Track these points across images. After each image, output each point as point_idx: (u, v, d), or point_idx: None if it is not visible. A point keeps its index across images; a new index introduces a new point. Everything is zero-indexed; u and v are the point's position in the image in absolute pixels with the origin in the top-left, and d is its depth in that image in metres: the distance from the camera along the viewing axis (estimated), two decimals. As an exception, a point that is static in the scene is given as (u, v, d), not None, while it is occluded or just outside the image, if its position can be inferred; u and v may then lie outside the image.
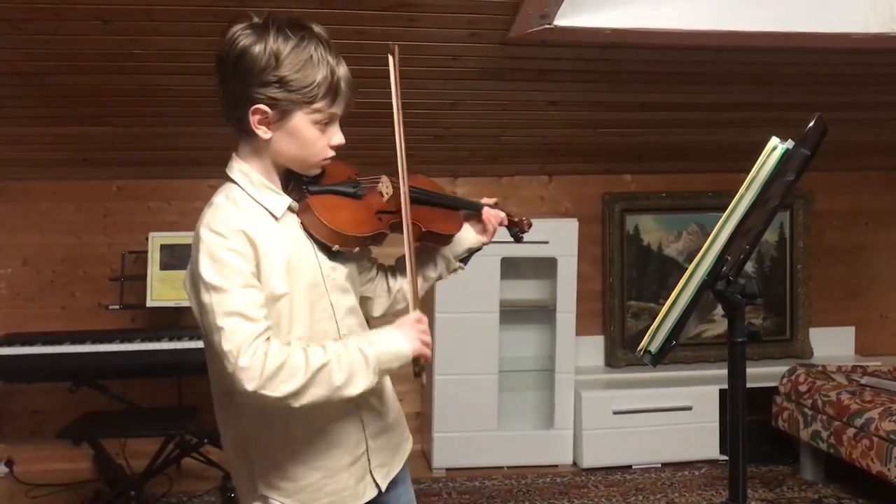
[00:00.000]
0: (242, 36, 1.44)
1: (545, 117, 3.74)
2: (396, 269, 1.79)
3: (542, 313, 4.11)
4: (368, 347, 1.45)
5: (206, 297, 1.38)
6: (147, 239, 3.70)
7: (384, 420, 1.63)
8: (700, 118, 3.88)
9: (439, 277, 1.81)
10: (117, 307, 3.71)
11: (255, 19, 1.46)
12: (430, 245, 1.76)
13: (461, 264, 1.82)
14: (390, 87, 1.62)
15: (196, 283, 1.41)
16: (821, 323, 4.64)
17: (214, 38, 2.92)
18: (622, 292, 4.44)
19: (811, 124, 1.45)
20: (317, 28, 1.47)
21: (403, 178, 1.59)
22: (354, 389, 1.43)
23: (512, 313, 4.01)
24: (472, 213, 1.82)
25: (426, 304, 3.92)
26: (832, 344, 4.63)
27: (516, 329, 4.14)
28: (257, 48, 1.41)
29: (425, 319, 1.54)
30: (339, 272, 1.56)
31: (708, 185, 4.44)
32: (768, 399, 3.89)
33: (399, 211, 1.60)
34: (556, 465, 3.98)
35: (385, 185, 1.64)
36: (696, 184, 4.47)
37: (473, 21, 2.85)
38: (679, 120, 3.89)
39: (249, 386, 1.35)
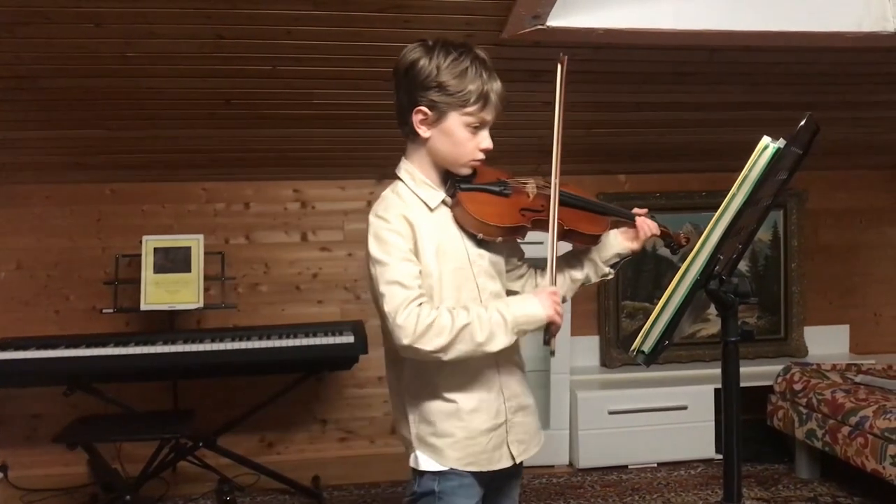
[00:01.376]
0: (413, 51, 1.73)
1: (539, 118, 3.73)
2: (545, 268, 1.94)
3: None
4: (507, 309, 1.69)
5: (373, 270, 1.69)
6: (141, 242, 3.69)
7: (522, 399, 1.87)
8: (694, 118, 3.88)
9: (586, 280, 1.95)
10: (111, 311, 3.70)
11: (428, 41, 1.74)
12: (575, 243, 1.92)
13: (610, 269, 1.95)
14: (555, 96, 1.89)
15: (368, 261, 1.70)
16: (815, 321, 4.65)
17: (209, 41, 2.95)
18: (617, 292, 4.44)
19: (802, 123, 1.46)
20: (478, 50, 1.75)
21: (556, 173, 1.81)
22: (495, 346, 1.67)
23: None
24: (625, 220, 1.96)
25: None
26: (826, 342, 4.64)
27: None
28: (423, 60, 1.71)
29: (560, 293, 1.78)
30: (484, 259, 1.80)
31: (702, 184, 4.45)
32: (763, 398, 3.89)
33: (543, 210, 1.81)
34: (553, 466, 3.98)
35: (532, 187, 1.87)
36: (690, 184, 4.48)
37: (466, 22, 2.85)
38: (673, 120, 3.89)
39: (405, 340, 1.63)
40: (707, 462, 3.97)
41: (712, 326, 4.39)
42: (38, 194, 4.01)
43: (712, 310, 1.63)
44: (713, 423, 3.96)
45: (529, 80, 3.35)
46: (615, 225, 1.98)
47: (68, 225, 4.04)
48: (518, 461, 1.85)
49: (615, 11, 2.94)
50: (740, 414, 1.61)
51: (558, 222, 1.80)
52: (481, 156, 1.78)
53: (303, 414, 4.25)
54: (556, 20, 2.87)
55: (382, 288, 1.66)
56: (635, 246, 1.95)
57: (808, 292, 4.64)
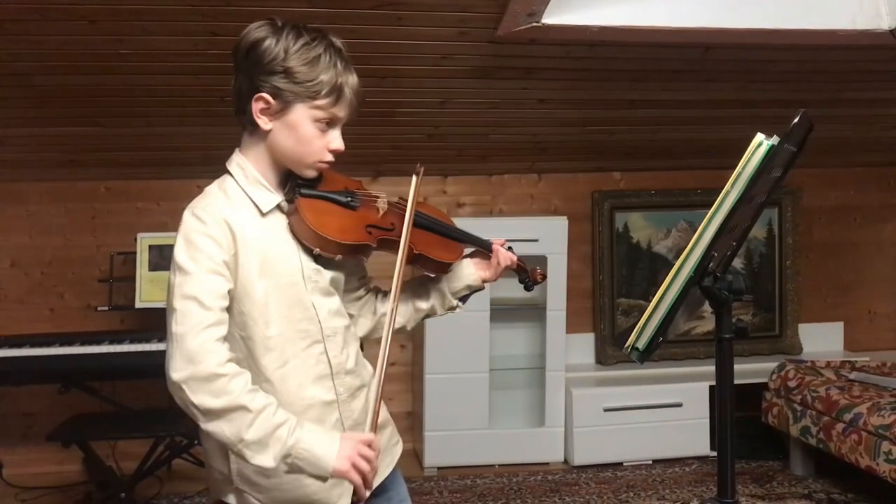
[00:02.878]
0: (259, 29, 1.50)
1: (534, 115, 3.74)
2: (387, 293, 1.74)
3: (533, 311, 4.11)
4: (296, 432, 1.40)
5: (172, 278, 1.44)
6: (136, 240, 3.68)
7: (362, 421, 1.59)
8: (688, 115, 3.89)
9: (431, 312, 1.75)
10: (106, 308, 3.69)
11: (277, 20, 1.51)
12: (425, 270, 1.71)
13: (459, 302, 1.75)
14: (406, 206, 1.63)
15: (172, 264, 1.45)
16: (810, 319, 4.66)
17: (202, 38, 2.94)
18: (612, 290, 4.44)
19: (796, 120, 1.46)
20: (333, 37, 1.52)
21: (410, 217, 1.60)
22: (256, 458, 1.38)
23: (502, 311, 4.01)
24: (481, 251, 1.77)
25: (417, 334, 3.90)
26: (821, 340, 4.65)
27: (507, 327, 4.14)
28: (269, 40, 1.47)
29: (377, 447, 1.46)
30: (322, 276, 1.56)
31: (697, 182, 4.45)
32: (758, 395, 3.90)
33: (393, 229, 1.61)
34: (548, 463, 3.99)
35: (383, 202, 1.64)
36: (684, 181, 4.48)
37: (462, 19, 2.86)
38: (668, 117, 3.90)
39: (176, 374, 1.37)
40: (702, 459, 3.98)
41: (707, 324, 4.40)
42: (32, 192, 4.00)
43: (707, 307, 1.62)
44: (708, 420, 3.96)
45: (524, 77, 3.36)
46: (472, 255, 1.78)
47: (63, 222, 4.03)
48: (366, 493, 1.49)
49: (610, 9, 2.95)
50: (734, 411, 1.61)
51: (408, 245, 1.59)
52: (330, 157, 1.52)
53: (298, 411, 4.24)
54: (551, 17, 2.88)
55: (177, 302, 1.40)
56: (488, 275, 1.74)
57: (803, 290, 4.65)
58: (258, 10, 2.70)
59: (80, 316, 3.96)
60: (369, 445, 1.44)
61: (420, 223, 1.67)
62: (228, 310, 1.45)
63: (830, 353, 4.46)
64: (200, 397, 1.37)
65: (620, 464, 3.96)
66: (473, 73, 3.24)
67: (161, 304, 3.81)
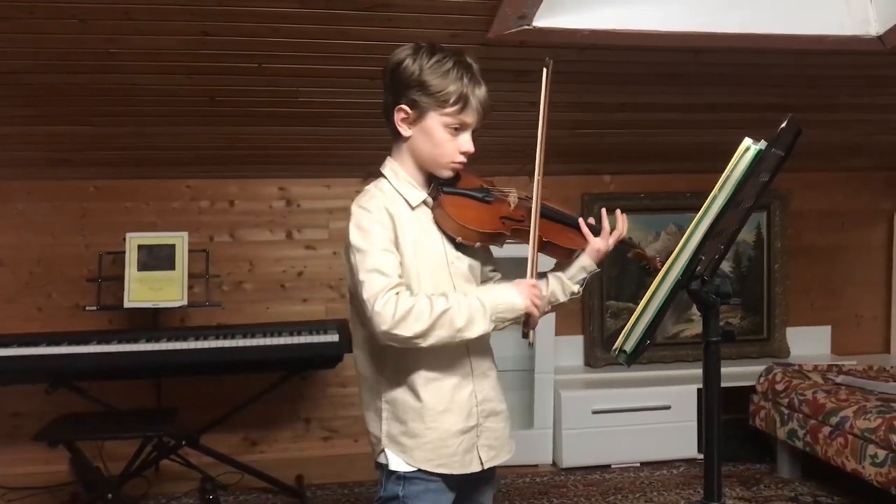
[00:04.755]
0: (402, 52, 1.76)
1: (525, 118, 3.72)
2: None
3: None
4: (486, 297, 1.71)
5: (353, 258, 1.70)
6: (125, 239, 3.67)
7: (495, 404, 1.86)
8: (678, 119, 3.90)
9: (552, 300, 1.90)
10: (94, 308, 3.68)
11: (421, 43, 1.77)
12: (553, 256, 1.91)
13: (578, 286, 1.91)
14: (540, 100, 1.90)
15: (348, 249, 1.72)
16: (797, 322, 4.68)
17: (193, 38, 2.94)
18: (601, 292, 4.46)
19: (784, 125, 1.47)
20: (466, 55, 1.78)
21: (538, 181, 1.82)
22: (474, 332, 1.69)
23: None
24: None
25: None
26: (808, 343, 4.68)
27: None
28: (408, 60, 1.74)
29: (540, 287, 1.77)
30: (462, 262, 1.81)
31: (686, 185, 4.47)
32: (745, 398, 3.92)
33: (523, 220, 1.82)
34: (536, 465, 4.00)
35: (513, 197, 1.88)
36: (674, 184, 4.50)
37: (452, 22, 2.85)
38: (657, 121, 3.91)
39: (383, 326, 1.63)
40: (689, 462, 3.99)
41: (695, 327, 4.41)
42: (20, 190, 3.99)
43: (696, 310, 1.64)
44: (696, 422, 3.98)
45: (515, 80, 3.36)
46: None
47: (51, 221, 4.01)
48: (486, 467, 1.83)
49: (601, 12, 2.95)
50: (721, 414, 1.62)
51: (538, 234, 1.81)
52: (462, 158, 1.78)
53: (287, 413, 4.24)
54: (541, 21, 2.88)
55: (362, 276, 1.67)
56: (601, 246, 1.91)
57: (791, 293, 4.67)
58: (249, 10, 2.71)
59: (69, 315, 3.94)
60: (535, 286, 1.75)
61: (546, 214, 1.86)
62: (401, 276, 1.70)
63: (818, 357, 4.49)
64: (411, 328, 1.64)
65: (608, 466, 3.97)
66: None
67: (149, 304, 3.84)
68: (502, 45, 3.01)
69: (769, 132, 1.47)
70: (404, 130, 1.76)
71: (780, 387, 3.72)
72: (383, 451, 1.78)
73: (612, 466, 3.97)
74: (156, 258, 3.66)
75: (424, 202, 1.80)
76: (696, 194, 4.37)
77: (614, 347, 1.57)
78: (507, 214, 1.84)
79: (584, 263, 1.91)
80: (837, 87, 3.67)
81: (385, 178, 1.80)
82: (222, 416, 3.70)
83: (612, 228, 1.91)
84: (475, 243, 1.80)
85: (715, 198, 1.47)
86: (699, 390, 3.92)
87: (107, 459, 3.70)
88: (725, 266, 4.53)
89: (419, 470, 1.75)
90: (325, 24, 2.80)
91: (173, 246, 3.69)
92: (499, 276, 1.97)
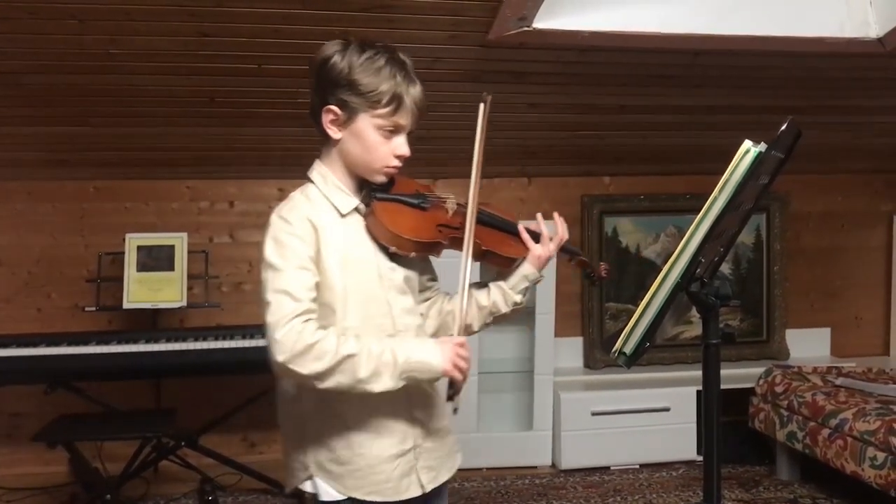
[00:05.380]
0: (329, 48, 1.63)
1: (524, 119, 3.75)
2: (453, 295, 1.81)
3: (521, 315, 4.10)
4: (401, 350, 1.56)
5: (264, 274, 1.56)
6: (124, 240, 3.67)
7: (435, 423, 1.71)
8: (678, 121, 3.90)
9: (494, 310, 1.80)
10: (94, 309, 3.68)
11: (349, 37, 1.64)
12: (493, 265, 1.81)
13: (520, 296, 1.80)
14: (476, 134, 1.78)
15: (262, 263, 1.58)
16: (797, 324, 4.68)
17: (192, 39, 2.94)
18: (601, 294, 4.45)
19: (784, 127, 1.47)
20: (398, 51, 1.64)
21: (473, 198, 1.70)
22: (377, 386, 1.54)
23: (491, 315, 4.00)
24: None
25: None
26: (808, 345, 4.67)
27: (495, 330, 4.09)
28: (336, 57, 1.60)
29: (469, 347, 1.61)
30: (397, 273, 1.67)
31: (686, 187, 4.47)
32: (745, 400, 3.91)
33: (462, 227, 1.70)
34: (535, 467, 3.99)
35: (451, 203, 1.76)
36: (674, 186, 4.50)
37: (453, 23, 2.86)
38: (657, 122, 3.91)
39: (279, 357, 1.50)
40: (689, 464, 3.99)
41: (695, 328, 4.41)
42: (20, 191, 3.98)
43: (695, 312, 1.63)
44: (695, 424, 3.97)
45: (515, 81, 3.37)
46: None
47: (51, 222, 4.01)
48: (428, 490, 1.69)
49: (601, 14, 2.96)
50: (721, 416, 1.62)
51: (476, 242, 1.70)
52: (396, 163, 1.64)
53: (286, 414, 4.23)
54: (542, 22, 2.88)
55: (269, 296, 1.53)
56: (541, 252, 1.81)
57: (790, 295, 4.67)
58: (249, 11, 2.71)
59: (68, 316, 3.94)
60: (462, 346, 1.60)
61: (485, 220, 1.77)
62: (316, 299, 1.58)
63: (817, 359, 4.49)
64: (309, 367, 1.50)
65: (608, 468, 3.97)
66: (464, 76, 3.25)
67: (148, 305, 3.84)
68: (502, 47, 3.01)
69: (769, 134, 1.47)
70: (334, 133, 1.62)
71: (779, 389, 3.72)
72: (310, 478, 1.64)
73: (612, 468, 3.96)
74: (155, 259, 3.66)
75: (356, 209, 1.66)
76: (695, 196, 4.37)
77: (614, 349, 1.56)
78: (444, 222, 1.71)
79: (526, 272, 1.79)
80: (837, 89, 3.68)
81: (313, 183, 1.67)
82: (221, 417, 3.70)
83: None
84: (410, 253, 1.66)
85: (715, 200, 1.47)
86: (698, 392, 3.91)
87: (106, 460, 3.69)
88: (725, 268, 4.53)
89: (350, 499, 1.62)
90: (324, 25, 2.80)
91: (172, 247, 3.69)
92: (438, 285, 1.83)
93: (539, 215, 1.86)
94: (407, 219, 1.66)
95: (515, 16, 2.81)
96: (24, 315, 3.98)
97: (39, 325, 3.92)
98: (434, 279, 1.83)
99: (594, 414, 3.93)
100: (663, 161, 4.36)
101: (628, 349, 1.53)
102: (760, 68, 3.42)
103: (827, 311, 4.80)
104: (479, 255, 1.74)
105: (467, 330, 1.77)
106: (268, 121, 3.53)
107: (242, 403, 3.71)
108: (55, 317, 3.97)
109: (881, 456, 3.04)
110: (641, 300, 1.55)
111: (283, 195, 4.68)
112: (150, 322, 3.75)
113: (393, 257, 1.66)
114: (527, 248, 1.80)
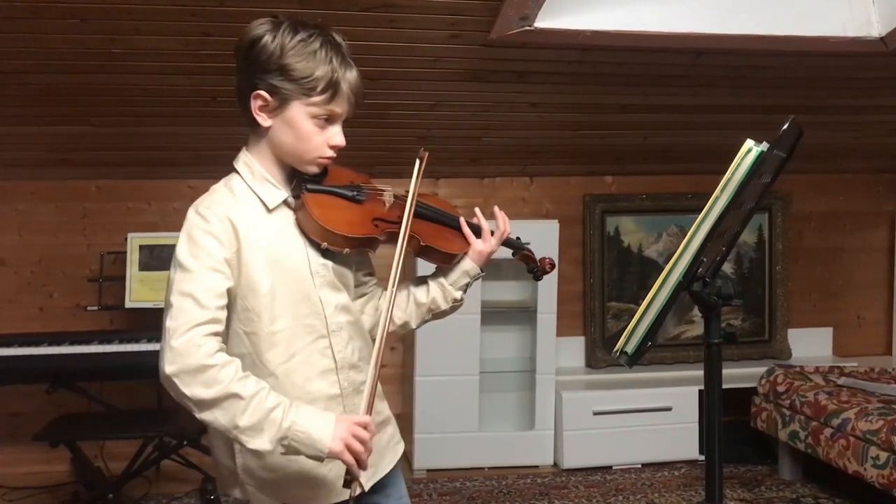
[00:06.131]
0: (258, 27, 1.49)
1: (526, 119, 3.75)
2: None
3: (523, 314, 4.11)
4: (291, 414, 1.40)
5: (172, 273, 1.44)
6: (126, 239, 3.67)
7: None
8: (680, 120, 3.90)
9: (434, 307, 1.72)
10: (95, 308, 3.68)
11: (279, 17, 1.50)
12: (433, 262, 1.73)
13: (460, 293, 1.73)
14: (410, 188, 1.63)
15: (172, 260, 1.46)
16: (799, 324, 4.68)
17: (194, 38, 2.94)
18: (603, 293, 4.45)
19: (785, 127, 1.47)
20: (333, 32, 1.51)
21: (413, 191, 1.60)
22: (252, 442, 1.39)
23: (493, 314, 4.01)
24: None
25: (408, 336, 3.89)
26: (810, 345, 4.67)
27: (497, 330, 4.14)
28: (267, 38, 1.47)
29: (372, 430, 1.45)
30: (328, 270, 1.56)
31: (688, 186, 4.46)
32: (747, 399, 3.92)
33: (398, 222, 1.60)
34: (537, 466, 3.99)
35: (389, 196, 1.65)
36: (676, 185, 4.49)
37: (454, 22, 2.86)
38: (659, 122, 3.91)
39: (168, 368, 1.38)
40: (691, 463, 3.99)
41: (697, 328, 4.41)
42: (22, 190, 3.99)
43: (697, 311, 1.63)
44: (697, 424, 3.97)
45: (516, 80, 3.36)
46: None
47: (53, 221, 4.01)
48: (368, 487, 1.59)
49: (602, 13, 2.96)
50: (722, 415, 1.62)
51: (413, 237, 1.61)
52: (331, 153, 1.53)
53: (287, 413, 4.23)
54: (543, 21, 2.88)
55: (174, 298, 1.41)
56: (484, 248, 1.74)
57: (792, 295, 4.66)
58: (250, 10, 2.70)
59: (70, 315, 3.94)
60: (364, 427, 1.44)
61: (424, 214, 1.67)
62: (231, 306, 1.47)
63: (819, 359, 4.48)
64: (192, 389, 1.37)
65: (610, 467, 3.96)
66: (465, 76, 3.25)
67: (150, 305, 3.84)
68: (504, 46, 3.01)
69: (771, 134, 1.47)
70: (263, 120, 1.49)
71: (781, 388, 3.72)
72: (241, 485, 1.55)
73: (614, 468, 3.96)
74: (157, 258, 3.66)
75: (285, 202, 1.54)
76: (697, 195, 4.37)
77: (616, 349, 1.56)
78: (380, 216, 1.60)
79: (467, 267, 1.71)
80: (839, 88, 3.67)
81: (238, 174, 1.55)
82: (223, 417, 3.70)
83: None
84: (343, 250, 1.55)
85: (717, 199, 1.47)
86: (700, 392, 3.92)
87: (108, 459, 3.70)
88: (727, 268, 4.52)
89: None
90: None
91: (174, 246, 3.68)
92: (374, 280, 1.74)
93: (476, 209, 1.76)
94: (340, 212, 1.55)
95: (517, 15, 2.81)
96: (26, 314, 3.98)
97: (41, 324, 3.92)
98: (371, 273, 1.73)
99: (596, 413, 3.93)
100: (665, 160, 4.36)
101: (630, 349, 1.53)
102: (762, 68, 3.42)
103: (829, 311, 4.80)
104: (418, 250, 1.66)
105: (404, 327, 1.73)
106: (269, 120, 3.52)
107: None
108: (57, 316, 3.97)
109: (883, 455, 3.04)
110: (643, 300, 1.54)
111: (284, 194, 4.61)
112: (152, 321, 3.73)
113: (325, 253, 1.55)
114: (468, 244, 1.72)
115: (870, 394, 3.53)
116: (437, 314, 1.75)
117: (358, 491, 1.49)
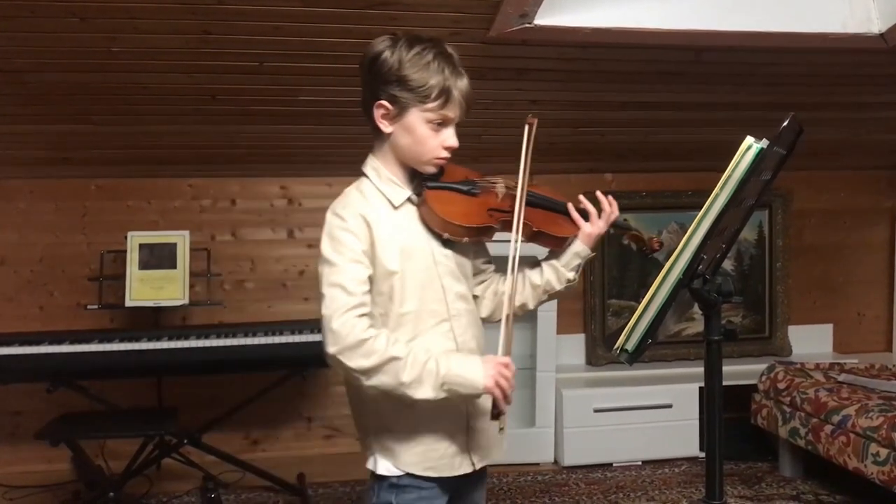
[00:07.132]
0: (379, 44, 1.68)
1: (526, 116, 3.74)
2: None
3: (524, 316, 4.11)
4: (445, 362, 1.61)
5: (321, 269, 1.64)
6: (126, 238, 3.67)
7: (487, 404, 1.74)
8: (680, 118, 3.90)
9: (548, 288, 1.87)
10: (96, 307, 3.67)
11: (397, 34, 1.69)
12: (545, 246, 1.88)
13: (573, 273, 1.87)
14: (521, 153, 1.81)
15: (319, 258, 1.65)
16: (799, 321, 4.68)
17: (193, 36, 2.94)
18: (603, 291, 4.45)
19: (785, 123, 1.47)
20: (446, 45, 1.70)
21: (523, 182, 1.76)
22: (417, 393, 1.59)
23: (493, 312, 4.01)
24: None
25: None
26: (810, 341, 4.67)
27: (498, 328, 4.13)
28: (386, 53, 1.65)
29: (513, 368, 1.66)
30: (450, 259, 1.74)
31: (688, 184, 4.46)
32: (747, 396, 3.91)
33: (511, 210, 1.75)
34: (538, 464, 3.99)
35: (501, 187, 1.81)
36: (676, 183, 4.49)
37: (454, 20, 2.86)
38: (659, 119, 3.91)
39: (332, 348, 1.58)
40: (691, 460, 3.99)
41: (697, 325, 4.40)
42: (22, 189, 3.99)
43: (697, 309, 1.63)
44: (697, 421, 3.98)
45: (516, 78, 3.36)
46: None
47: (53, 220, 4.01)
48: (478, 467, 1.79)
49: (602, 11, 2.95)
50: (723, 412, 1.62)
51: (527, 223, 1.76)
52: (445, 154, 1.71)
53: (288, 411, 4.24)
54: (543, 19, 2.88)
55: (325, 289, 1.61)
56: (592, 231, 1.89)
57: (793, 292, 4.66)
58: (250, 8, 2.71)
59: (70, 314, 3.94)
60: (506, 366, 1.65)
61: (534, 202, 1.82)
62: (369, 292, 1.64)
63: (820, 355, 4.48)
64: (356, 361, 1.57)
65: (610, 465, 3.97)
66: (465, 73, 3.24)
67: (150, 303, 3.84)
68: (504, 44, 3.01)
69: (771, 131, 1.47)
70: (385, 127, 1.68)
71: (781, 385, 3.72)
72: (373, 455, 1.74)
73: (614, 465, 3.97)
74: (157, 257, 3.66)
75: (409, 200, 1.73)
76: (697, 193, 4.36)
77: (616, 346, 1.56)
78: (494, 206, 1.78)
79: (578, 249, 1.86)
80: (839, 85, 3.67)
81: (367, 177, 1.74)
82: (224, 415, 3.70)
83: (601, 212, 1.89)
84: (462, 239, 1.73)
85: (717, 196, 1.47)
86: (701, 389, 3.92)
87: (108, 458, 3.71)
88: (727, 265, 4.52)
89: (408, 475, 1.71)
90: (326, 22, 2.80)
91: (175, 245, 3.69)
92: (492, 267, 1.91)
93: (581, 196, 1.92)
94: (458, 205, 1.73)
95: (517, 12, 2.81)
96: (27, 313, 3.98)
97: (41, 323, 3.92)
98: (489, 261, 1.90)
99: (596, 411, 3.93)
100: (665, 158, 4.36)
101: (630, 346, 1.53)
102: (762, 65, 3.42)
103: (829, 308, 4.80)
104: (530, 236, 1.80)
105: (523, 308, 1.89)
106: (269, 118, 3.52)
107: (245, 401, 3.71)
108: (57, 315, 3.97)
109: (884, 452, 3.04)
110: (643, 297, 1.55)
111: (285, 192, 4.70)
112: (153, 320, 3.75)
113: (446, 243, 1.73)
114: (577, 227, 1.86)
115: (870, 390, 3.52)
116: (553, 295, 1.90)
117: (504, 424, 1.71)
